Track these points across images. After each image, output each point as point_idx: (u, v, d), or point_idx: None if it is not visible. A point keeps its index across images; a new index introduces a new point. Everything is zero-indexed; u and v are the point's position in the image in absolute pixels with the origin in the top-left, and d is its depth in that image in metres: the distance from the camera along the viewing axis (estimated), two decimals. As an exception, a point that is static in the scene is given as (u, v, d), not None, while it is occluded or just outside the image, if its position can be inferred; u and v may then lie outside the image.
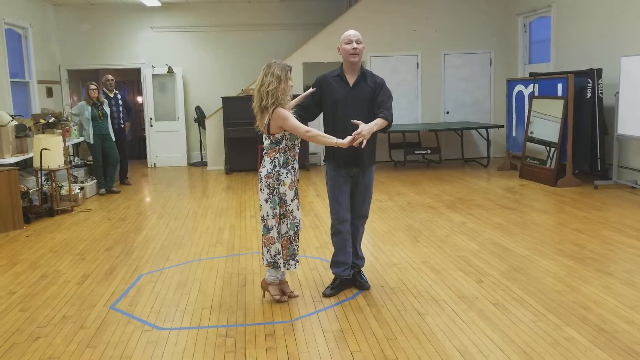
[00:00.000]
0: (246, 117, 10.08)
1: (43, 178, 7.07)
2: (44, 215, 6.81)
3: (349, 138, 3.60)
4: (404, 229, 5.78)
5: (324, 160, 4.11)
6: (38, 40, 9.92)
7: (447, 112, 10.93)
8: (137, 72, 11.56)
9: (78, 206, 7.36)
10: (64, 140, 7.44)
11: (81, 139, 8.59)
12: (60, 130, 7.91)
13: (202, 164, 11.38)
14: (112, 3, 10.96)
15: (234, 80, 11.44)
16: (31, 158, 7.09)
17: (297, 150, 3.83)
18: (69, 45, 11.16)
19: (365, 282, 4.12)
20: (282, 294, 3.90)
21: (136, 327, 3.54)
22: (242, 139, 10.12)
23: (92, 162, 8.53)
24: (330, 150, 3.96)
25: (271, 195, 3.74)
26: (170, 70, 11.26)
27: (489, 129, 10.23)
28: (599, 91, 7.70)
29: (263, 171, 3.77)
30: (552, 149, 7.99)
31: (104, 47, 11.32)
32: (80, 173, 8.37)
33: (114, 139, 8.53)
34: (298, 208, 3.84)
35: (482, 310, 3.63)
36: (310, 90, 4.03)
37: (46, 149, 6.80)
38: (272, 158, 3.75)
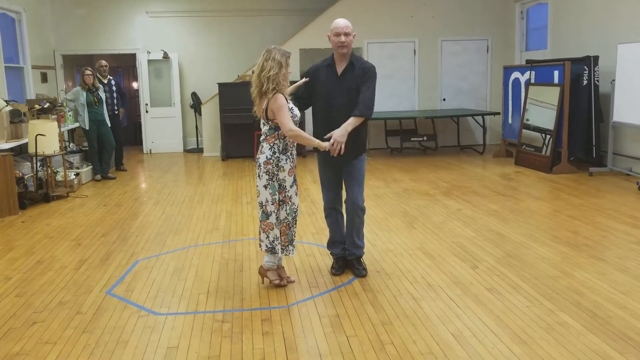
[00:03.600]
0: (242, 103, 10.13)
1: (38, 164, 7.05)
2: (39, 201, 6.80)
3: (327, 144, 3.68)
4: (400, 215, 5.80)
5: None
6: (32, 25, 9.83)
7: (444, 99, 10.92)
8: (132, 57, 11.48)
9: (74, 192, 7.34)
10: (59, 126, 7.41)
11: (76, 124, 8.56)
12: (55, 116, 7.86)
13: (198, 150, 11.36)
14: (107, -13, 10.87)
15: (230, 66, 11.38)
16: (26, 144, 7.06)
17: None
18: (64, 30, 11.07)
19: (362, 270, 4.11)
20: (280, 278, 3.92)
21: (132, 313, 3.55)
22: (239, 126, 10.09)
23: (87, 148, 8.50)
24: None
25: (270, 182, 3.73)
26: (166, 56, 11.19)
27: (485, 116, 10.23)
28: (595, 78, 7.70)
29: (262, 157, 3.75)
30: (548, 136, 8.00)
31: (99, 32, 11.22)
32: (75, 159, 8.34)
33: (109, 125, 8.50)
34: (296, 194, 3.84)
35: (476, 296, 3.66)
36: (303, 80, 4.03)
37: (41, 135, 6.77)
38: (272, 144, 3.73)
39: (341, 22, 3.92)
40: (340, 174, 4.09)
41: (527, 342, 3.01)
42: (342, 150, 3.69)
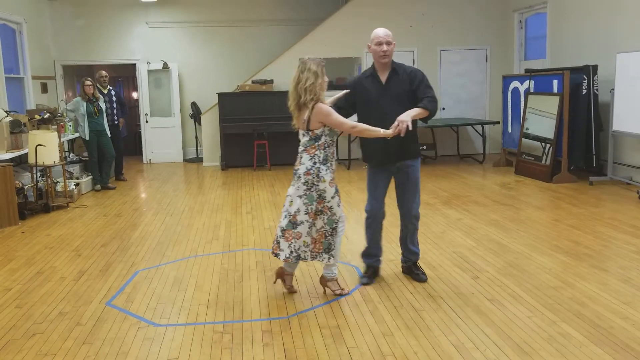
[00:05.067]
0: (242, 113, 10.17)
1: (38, 174, 7.05)
2: (39, 212, 6.79)
3: (391, 130, 3.64)
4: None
5: (363, 160, 4.18)
6: (33, 36, 9.87)
7: (443, 108, 10.93)
8: (132, 67, 11.52)
9: (73, 202, 7.34)
10: (59, 136, 7.41)
11: (76, 134, 8.57)
12: (56, 126, 7.87)
13: (198, 160, 11.36)
14: (107, -2, 10.92)
15: (230, 76, 11.41)
16: (26, 154, 7.06)
17: (335, 148, 3.82)
18: (64, 40, 11.11)
19: (422, 275, 4.15)
20: (342, 288, 3.92)
21: (132, 324, 3.54)
22: (238, 135, 10.11)
23: (87, 158, 8.50)
24: (365, 149, 4.06)
25: (308, 192, 3.71)
26: (165, 66, 11.23)
27: (484, 125, 10.25)
28: (595, 87, 7.72)
29: (302, 168, 3.73)
30: (548, 145, 8.01)
31: (99, 43, 11.27)
32: (75, 169, 8.34)
33: (109, 135, 8.51)
34: (339, 205, 3.80)
35: (478, 306, 3.64)
36: (344, 92, 4.02)
37: (41, 145, 6.78)
38: (312, 155, 3.72)
39: (382, 32, 3.93)
40: (389, 183, 4.08)
41: (528, 353, 2.99)
42: (410, 127, 3.62)
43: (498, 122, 9.97)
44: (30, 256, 5.05)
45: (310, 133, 3.72)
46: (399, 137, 3.67)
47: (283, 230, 3.79)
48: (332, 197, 3.75)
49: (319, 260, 3.85)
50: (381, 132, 3.67)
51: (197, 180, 9.22)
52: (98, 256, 5.01)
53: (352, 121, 3.73)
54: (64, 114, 8.55)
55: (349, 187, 7.99)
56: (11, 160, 6.70)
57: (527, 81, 8.84)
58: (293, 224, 3.76)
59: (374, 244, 4.19)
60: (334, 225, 3.80)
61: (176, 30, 11.43)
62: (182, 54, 11.45)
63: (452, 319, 3.46)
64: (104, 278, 4.41)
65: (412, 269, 4.21)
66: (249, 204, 7.11)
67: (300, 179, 3.73)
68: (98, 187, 8.32)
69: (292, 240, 3.77)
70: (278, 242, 3.82)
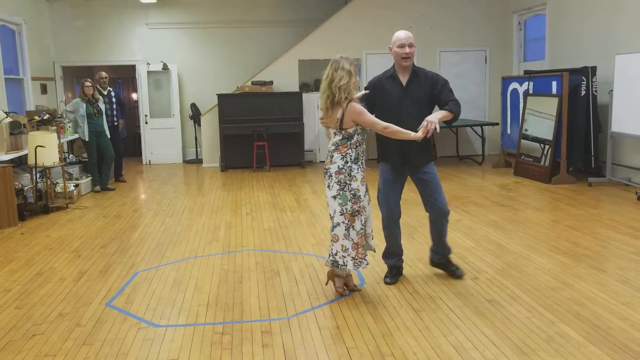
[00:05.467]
0: (242, 114, 10.18)
1: (38, 175, 7.05)
2: (38, 213, 6.79)
3: (421, 131, 3.66)
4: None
5: (379, 161, 4.18)
6: (32, 37, 9.88)
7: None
8: (132, 68, 11.53)
9: (73, 203, 7.34)
10: (59, 137, 7.42)
11: (76, 136, 8.57)
12: (55, 127, 7.88)
13: (198, 161, 11.37)
14: (107, -1, 10.93)
15: (230, 77, 11.42)
16: (26, 155, 7.07)
17: (364, 146, 3.84)
18: (64, 41, 11.11)
19: (457, 270, 4.20)
20: (344, 288, 3.92)
21: (132, 325, 3.54)
22: (238, 136, 10.12)
23: (86, 159, 8.51)
24: (382, 150, 4.05)
25: (341, 192, 3.72)
26: (165, 67, 11.23)
27: (483, 127, 10.26)
28: (593, 89, 7.73)
29: (333, 167, 3.74)
30: (547, 147, 8.02)
31: (98, 44, 11.27)
32: (75, 170, 8.35)
33: (109, 136, 8.51)
34: (369, 203, 3.85)
35: (477, 307, 3.65)
36: (363, 92, 4.03)
37: (41, 146, 6.78)
38: (344, 154, 3.73)
39: (404, 34, 3.96)
40: (404, 183, 4.11)
41: (527, 354, 3.00)
42: (438, 129, 3.66)
43: (497, 124, 9.99)
44: (30, 257, 5.06)
45: (343, 132, 3.73)
46: (423, 139, 3.71)
47: (331, 234, 3.81)
48: (364, 196, 3.79)
49: (362, 268, 3.85)
50: (412, 135, 3.68)
51: (197, 181, 9.22)
52: (98, 257, 5.01)
53: (384, 122, 3.72)
54: (64, 115, 8.56)
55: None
56: (11, 161, 6.71)
57: (526, 82, 8.85)
58: (332, 226, 3.78)
59: (393, 243, 4.21)
60: (368, 225, 3.84)
61: (176, 31, 11.44)
62: (182, 55, 11.46)
63: (451, 320, 3.47)
64: (104, 279, 4.42)
65: (447, 266, 4.24)
66: (249, 205, 7.12)
67: (332, 177, 3.74)
68: (97, 188, 8.33)
69: (330, 243, 3.79)
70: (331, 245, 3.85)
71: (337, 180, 3.72)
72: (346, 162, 3.72)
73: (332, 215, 3.78)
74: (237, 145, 10.21)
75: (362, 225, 3.79)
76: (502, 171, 9.10)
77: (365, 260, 3.85)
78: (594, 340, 3.13)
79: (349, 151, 3.73)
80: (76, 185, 7.77)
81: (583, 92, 7.74)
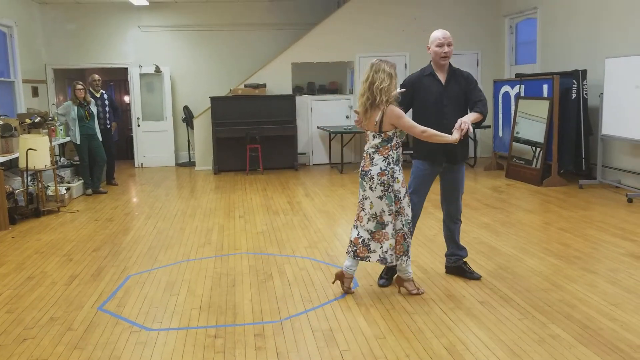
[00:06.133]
0: (235, 117, 10.18)
1: (29, 178, 7.01)
2: (29, 216, 6.76)
3: (456, 133, 3.69)
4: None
5: (413, 158, 4.17)
6: (23, 39, 9.84)
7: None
8: (124, 71, 11.50)
9: (64, 207, 7.31)
10: (50, 140, 7.38)
11: (67, 139, 8.53)
12: (46, 130, 7.85)
13: (190, 164, 11.35)
14: (99, 2, 10.90)
15: (223, 80, 11.42)
16: (17, 158, 7.02)
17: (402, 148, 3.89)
18: (55, 44, 11.07)
19: (473, 272, 4.23)
20: (417, 288, 3.95)
21: (124, 328, 3.53)
22: (231, 139, 10.11)
23: (78, 163, 8.47)
24: (425, 147, 4.00)
25: (386, 192, 3.74)
26: (157, 70, 11.21)
27: (475, 129, 10.30)
28: (584, 92, 7.79)
29: (375, 169, 3.76)
30: (538, 149, 8.07)
31: (90, 46, 11.24)
32: (66, 173, 8.31)
33: (100, 139, 8.48)
34: (408, 205, 3.87)
35: (469, 309, 3.67)
36: (399, 90, 4.03)
37: (32, 149, 6.75)
38: (386, 156, 3.75)
39: (442, 34, 4.04)
40: (431, 183, 4.13)
41: (519, 355, 3.02)
42: (471, 129, 3.74)
43: (489, 126, 10.04)
44: (21, 261, 5.03)
45: (382, 135, 3.75)
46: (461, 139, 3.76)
47: (372, 233, 3.81)
48: (404, 197, 3.81)
49: (399, 263, 3.87)
50: (449, 138, 3.71)
51: (190, 184, 9.21)
52: (89, 261, 4.99)
53: (421, 126, 3.74)
54: (55, 118, 8.52)
55: (341, 191, 8.01)
56: (2, 164, 6.67)
57: (518, 86, 8.91)
58: (381, 224, 3.79)
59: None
60: (409, 226, 3.85)
61: (168, 34, 11.43)
62: (175, 57, 11.44)
63: (443, 322, 3.48)
64: (96, 283, 4.40)
65: (463, 269, 4.26)
66: (242, 208, 7.11)
67: (374, 179, 3.75)
68: (89, 191, 8.29)
69: (383, 242, 3.80)
70: (367, 245, 3.83)
71: (380, 182, 3.74)
72: (388, 164, 3.75)
73: (378, 214, 3.76)
74: (230, 148, 10.20)
75: (402, 225, 3.81)
76: (494, 174, 9.15)
77: (402, 258, 3.84)
78: (585, 341, 3.15)
79: (391, 153, 3.76)
80: (68, 189, 7.73)
81: (574, 95, 7.79)
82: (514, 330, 3.33)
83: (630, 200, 6.68)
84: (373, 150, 3.80)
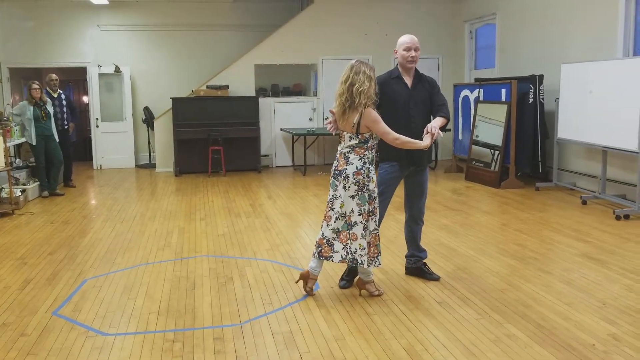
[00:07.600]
0: (197, 118, 10.08)
1: (-19, 180, 6.79)
2: (-18, 219, 6.54)
3: (427, 139, 3.76)
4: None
5: (380, 161, 4.18)
6: (-24, 37, 9.52)
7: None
8: (83, 71, 11.25)
9: (19, 209, 7.09)
10: (5, 141, 7.17)
11: (23, 139, 8.29)
12: (1, 131, 7.60)
13: (151, 165, 11.17)
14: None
15: (184, 81, 11.30)
16: (-32, 159, 6.80)
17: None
18: (11, 42, 10.75)
19: (432, 274, 4.30)
20: (377, 289, 3.97)
21: (80, 333, 3.45)
22: (193, 141, 10.00)
23: (34, 164, 8.24)
24: (392, 150, 4.01)
25: (360, 192, 3.75)
26: (117, 70, 11.01)
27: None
28: (541, 97, 8.00)
29: (350, 168, 3.76)
30: (496, 152, 8.24)
31: (48, 45, 10.96)
32: (22, 175, 8.07)
33: (57, 140, 8.27)
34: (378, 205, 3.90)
35: (428, 310, 3.72)
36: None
37: (-15, 150, 6.54)
38: (362, 155, 3.77)
39: (410, 38, 4.08)
40: (396, 186, 4.19)
41: (476, 355, 3.07)
42: (441, 135, 3.82)
43: (449, 130, 10.19)
44: (-28, 265, 4.86)
45: (359, 136, 3.76)
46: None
47: (338, 232, 3.81)
48: (376, 198, 3.84)
49: (375, 266, 3.88)
50: (421, 144, 3.77)
51: (150, 186, 9.06)
52: (44, 264, 4.86)
53: (395, 133, 3.76)
54: (10, 118, 8.26)
55: (304, 193, 8.02)
56: (-48, 165, 6.44)
57: (477, 90, 9.09)
58: (348, 225, 3.79)
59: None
60: (378, 227, 3.88)
61: (129, 33, 11.24)
62: (135, 57, 11.26)
63: (402, 322, 3.52)
64: (51, 287, 4.29)
65: (423, 270, 4.32)
66: (203, 210, 7.04)
67: (349, 178, 3.76)
68: (45, 193, 8.08)
69: (348, 242, 3.79)
70: (331, 245, 3.83)
71: (355, 181, 3.76)
72: (364, 164, 3.77)
73: (347, 214, 3.78)
74: (192, 150, 10.10)
75: (375, 225, 3.84)
76: (454, 176, 9.30)
77: (377, 259, 3.87)
78: (539, 341, 3.23)
79: (367, 153, 3.79)
80: (23, 191, 7.51)
81: (531, 100, 8.00)
82: (471, 330, 3.39)
83: (584, 202, 6.89)
84: (348, 149, 3.82)
